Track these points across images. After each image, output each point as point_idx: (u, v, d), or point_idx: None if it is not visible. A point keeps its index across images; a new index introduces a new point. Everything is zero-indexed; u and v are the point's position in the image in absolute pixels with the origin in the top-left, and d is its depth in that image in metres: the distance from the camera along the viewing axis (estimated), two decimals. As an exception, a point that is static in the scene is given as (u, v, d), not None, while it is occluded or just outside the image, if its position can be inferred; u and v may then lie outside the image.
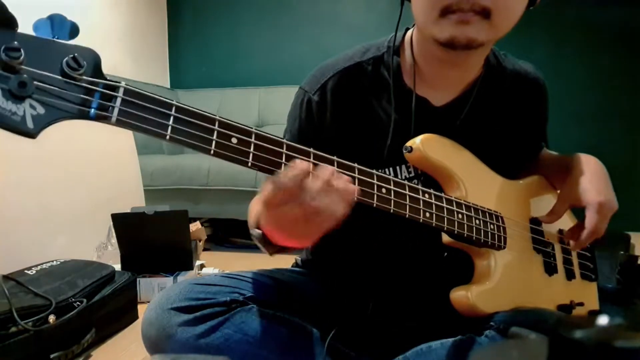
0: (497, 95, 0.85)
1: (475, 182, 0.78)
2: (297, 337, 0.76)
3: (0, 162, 1.40)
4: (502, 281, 0.76)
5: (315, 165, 0.58)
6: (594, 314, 0.88)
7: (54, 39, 0.44)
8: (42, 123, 0.42)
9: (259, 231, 0.66)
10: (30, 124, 0.41)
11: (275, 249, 0.67)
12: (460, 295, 0.74)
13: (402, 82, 0.82)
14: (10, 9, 0.42)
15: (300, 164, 0.55)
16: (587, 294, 0.90)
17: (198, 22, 3.35)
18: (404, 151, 0.75)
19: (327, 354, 0.76)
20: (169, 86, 3.33)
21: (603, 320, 0.37)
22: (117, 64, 2.75)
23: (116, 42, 2.83)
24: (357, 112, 0.81)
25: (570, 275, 0.87)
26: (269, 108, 3.04)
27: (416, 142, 0.75)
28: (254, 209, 0.74)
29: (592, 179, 0.81)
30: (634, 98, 2.91)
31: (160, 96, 0.49)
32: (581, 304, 0.85)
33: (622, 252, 1.38)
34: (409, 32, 0.84)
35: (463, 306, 0.73)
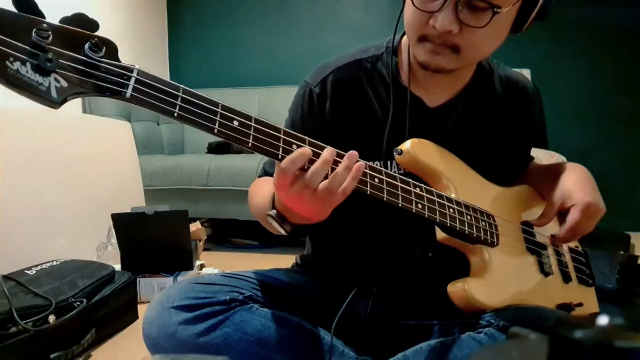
0: (488, 100, 0.88)
1: (464, 186, 0.80)
2: (296, 336, 0.76)
3: (1, 162, 1.40)
4: (499, 275, 0.77)
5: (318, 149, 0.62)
6: (593, 315, 0.88)
7: (78, 29, 0.50)
8: (64, 95, 0.48)
9: (275, 210, 0.69)
10: (54, 94, 0.47)
11: (291, 226, 0.69)
12: (457, 288, 0.74)
13: (399, 81, 0.85)
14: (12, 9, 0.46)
15: (300, 149, 0.60)
16: (585, 298, 0.90)
17: (198, 22, 3.36)
18: (395, 153, 0.77)
19: (328, 354, 0.76)
20: (169, 86, 3.33)
21: (603, 320, 0.37)
22: (117, 64, 2.75)
23: (116, 42, 2.81)
24: (354, 106, 0.84)
25: (566, 278, 0.88)
26: (269, 108, 3.04)
27: (406, 145, 0.77)
28: (261, 192, 0.79)
29: (579, 182, 0.83)
30: (634, 98, 2.91)
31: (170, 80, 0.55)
32: (580, 305, 0.85)
33: (622, 252, 1.38)
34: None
35: (461, 299, 0.74)
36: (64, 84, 0.48)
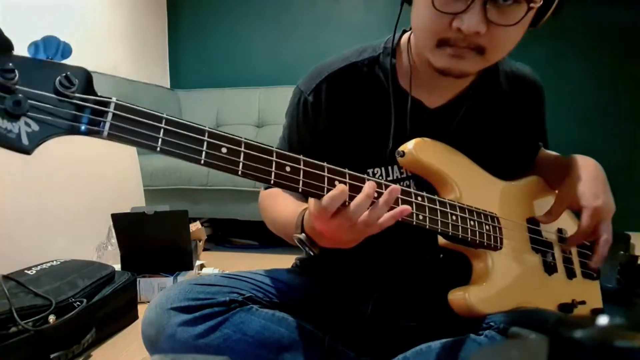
0: (493, 98, 0.86)
1: (469, 184, 0.78)
2: (296, 337, 0.76)
3: (1, 163, 1.40)
4: (500, 282, 0.76)
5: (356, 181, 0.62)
6: (597, 313, 0.88)
7: (48, 59, 0.45)
8: (37, 139, 0.43)
9: (304, 235, 0.68)
10: (25, 140, 0.43)
11: (319, 249, 0.68)
12: (458, 297, 0.73)
13: (396, 84, 0.82)
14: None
15: (340, 186, 0.59)
16: (589, 293, 0.89)
17: (198, 22, 3.35)
18: (397, 156, 0.75)
19: (328, 354, 0.76)
20: (168, 86, 3.33)
21: (603, 320, 0.37)
22: (117, 64, 2.75)
23: (116, 42, 2.83)
24: (350, 113, 0.82)
25: (570, 274, 0.87)
26: (268, 108, 3.04)
27: (408, 146, 0.75)
28: (280, 208, 0.79)
29: (591, 182, 0.80)
30: (634, 98, 2.91)
31: (150, 110, 0.50)
32: (583, 302, 0.85)
33: (622, 252, 1.37)
34: (406, 35, 0.84)
35: (461, 307, 0.73)
36: (35, 127, 0.43)
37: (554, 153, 0.97)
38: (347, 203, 0.59)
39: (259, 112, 3.07)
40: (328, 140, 0.76)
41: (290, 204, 0.81)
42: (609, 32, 2.89)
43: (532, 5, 0.65)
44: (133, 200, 1.98)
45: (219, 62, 3.34)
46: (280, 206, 0.82)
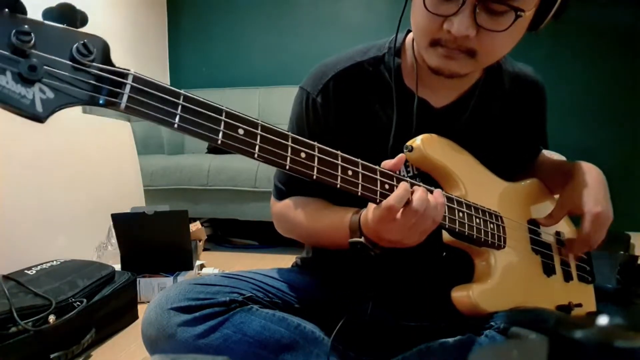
0: (496, 98, 0.86)
1: (474, 183, 0.79)
2: (296, 337, 0.76)
3: (1, 163, 1.40)
4: (503, 280, 0.76)
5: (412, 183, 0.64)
6: (592, 315, 0.88)
7: (64, 26, 0.43)
8: (51, 107, 0.42)
9: (362, 238, 0.69)
10: (39, 107, 0.41)
11: (381, 249, 0.69)
12: (461, 295, 0.74)
13: (402, 83, 0.83)
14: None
15: (403, 185, 0.62)
16: (584, 296, 0.90)
17: (198, 22, 3.36)
18: (405, 150, 0.75)
19: (327, 354, 0.76)
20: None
21: (603, 320, 0.37)
22: (117, 64, 2.74)
23: (116, 42, 2.83)
24: (358, 113, 0.82)
25: (567, 277, 0.88)
26: (269, 108, 3.04)
27: (417, 141, 0.75)
28: (334, 216, 0.77)
29: (592, 189, 0.81)
30: (633, 98, 2.91)
31: (168, 85, 0.49)
32: (579, 305, 0.86)
33: (622, 252, 1.38)
34: (410, 34, 0.84)
35: (464, 305, 0.73)
36: (50, 94, 0.41)
37: (555, 156, 0.97)
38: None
39: (258, 112, 3.07)
40: (336, 139, 0.75)
41: (329, 211, 0.80)
42: (609, 33, 2.89)
43: (519, 14, 0.65)
44: (133, 200, 1.98)
45: (219, 62, 3.34)
46: (318, 215, 0.81)
